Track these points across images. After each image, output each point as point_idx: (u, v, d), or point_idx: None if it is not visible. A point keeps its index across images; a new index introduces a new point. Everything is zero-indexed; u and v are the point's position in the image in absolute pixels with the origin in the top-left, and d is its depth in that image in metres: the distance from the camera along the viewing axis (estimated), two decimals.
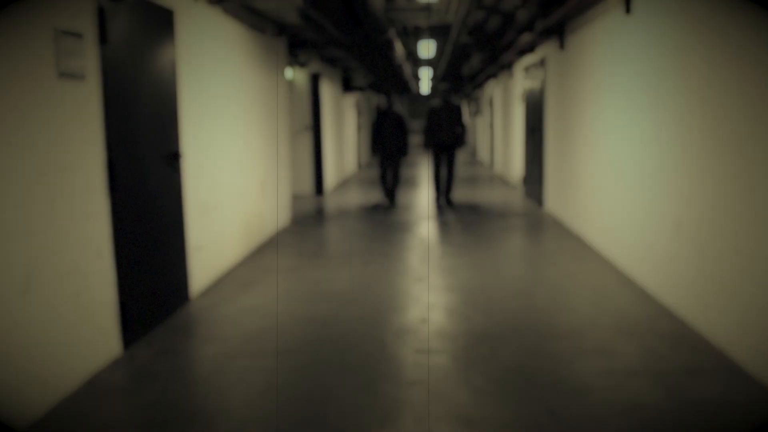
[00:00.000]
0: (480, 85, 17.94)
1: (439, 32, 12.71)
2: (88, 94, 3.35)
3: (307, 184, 11.23)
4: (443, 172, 9.82)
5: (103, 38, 3.46)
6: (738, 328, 3.43)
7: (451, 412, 2.95)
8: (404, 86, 20.51)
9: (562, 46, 7.65)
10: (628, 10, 5.14)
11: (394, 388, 3.21)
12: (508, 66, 12.27)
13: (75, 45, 3.20)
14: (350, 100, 15.40)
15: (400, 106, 33.53)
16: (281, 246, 6.76)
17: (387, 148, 9.57)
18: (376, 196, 10.96)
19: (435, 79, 25.77)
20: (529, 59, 10.13)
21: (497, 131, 14.94)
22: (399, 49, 11.34)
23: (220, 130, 5.53)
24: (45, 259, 2.99)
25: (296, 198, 10.43)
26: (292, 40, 8.36)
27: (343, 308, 4.52)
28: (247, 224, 6.30)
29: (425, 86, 30.53)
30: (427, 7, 10.59)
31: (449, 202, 9.72)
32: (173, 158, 4.43)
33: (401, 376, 3.36)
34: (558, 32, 7.63)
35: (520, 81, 11.31)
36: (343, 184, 13.17)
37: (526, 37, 8.59)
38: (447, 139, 9.49)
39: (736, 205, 3.44)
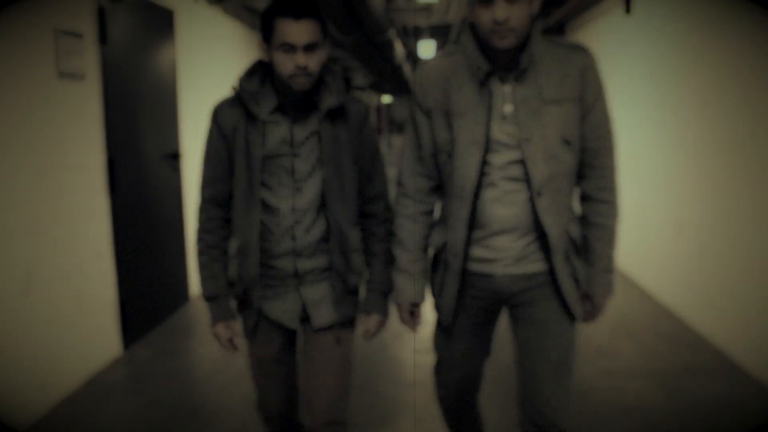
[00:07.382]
0: None
1: (439, 32, 12.70)
2: (88, 94, 3.35)
3: None
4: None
5: (103, 38, 3.47)
6: (738, 328, 3.43)
7: None
8: (404, 86, 20.51)
9: None
10: (628, 10, 5.14)
11: (394, 388, 3.21)
12: None
13: (75, 45, 3.20)
14: None
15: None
16: None
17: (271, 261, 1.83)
18: None
19: None
20: None
21: None
22: (399, 49, 11.31)
23: None
24: (45, 258, 2.99)
25: None
26: None
27: None
28: None
29: None
30: (427, 8, 10.58)
31: None
32: (173, 158, 4.43)
33: (401, 376, 3.36)
34: (558, 32, 7.63)
35: None
36: None
37: None
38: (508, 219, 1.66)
39: (736, 206, 3.44)
